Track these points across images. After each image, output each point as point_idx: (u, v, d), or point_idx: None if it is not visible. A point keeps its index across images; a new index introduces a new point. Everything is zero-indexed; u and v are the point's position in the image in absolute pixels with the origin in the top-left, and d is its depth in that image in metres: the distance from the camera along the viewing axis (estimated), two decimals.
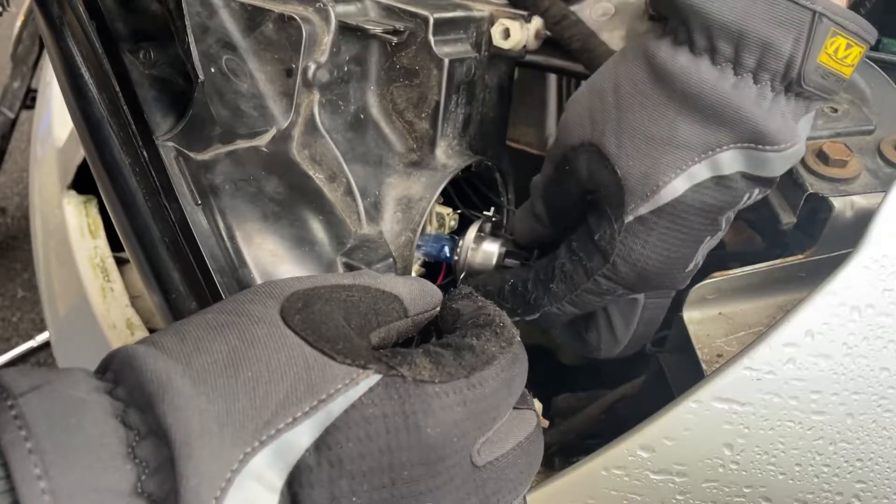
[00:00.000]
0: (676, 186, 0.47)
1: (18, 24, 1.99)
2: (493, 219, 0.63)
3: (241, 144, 0.53)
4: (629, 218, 0.49)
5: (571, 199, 0.54)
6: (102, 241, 1.02)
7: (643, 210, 0.48)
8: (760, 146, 0.45)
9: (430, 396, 0.33)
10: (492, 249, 0.60)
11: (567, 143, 0.52)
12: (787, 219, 0.58)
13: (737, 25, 0.43)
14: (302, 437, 0.31)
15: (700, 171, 0.47)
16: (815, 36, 0.43)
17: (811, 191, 0.56)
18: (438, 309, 0.43)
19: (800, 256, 0.56)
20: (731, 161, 0.46)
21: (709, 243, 0.50)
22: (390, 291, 0.40)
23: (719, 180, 0.47)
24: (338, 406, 0.32)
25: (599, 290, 0.52)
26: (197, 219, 0.51)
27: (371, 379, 0.33)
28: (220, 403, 0.30)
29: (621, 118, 0.48)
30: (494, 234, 0.62)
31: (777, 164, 0.47)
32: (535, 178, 0.57)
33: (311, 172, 0.54)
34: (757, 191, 0.48)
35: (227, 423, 0.30)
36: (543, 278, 0.54)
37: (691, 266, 0.51)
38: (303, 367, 0.32)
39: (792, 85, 0.44)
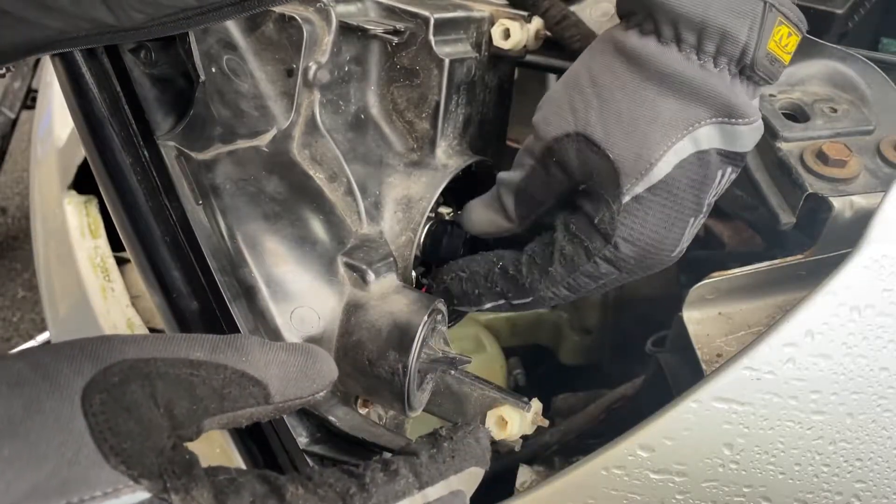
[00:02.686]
0: (667, 163, 0.50)
1: None
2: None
3: (242, 144, 0.53)
4: (626, 198, 0.50)
5: (553, 192, 0.55)
6: (103, 241, 1.02)
7: (639, 189, 0.50)
8: (732, 120, 0.49)
9: None
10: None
11: (549, 136, 0.53)
12: (787, 219, 0.58)
13: (699, 17, 0.47)
14: None
15: (684, 147, 0.49)
16: (765, 24, 0.47)
17: (811, 191, 0.56)
18: (323, 393, 0.40)
19: (799, 256, 0.56)
20: (708, 136, 0.49)
21: (693, 226, 0.53)
22: (252, 374, 0.36)
23: (700, 156, 0.50)
24: None
25: (598, 273, 0.52)
26: (198, 218, 0.51)
27: (136, 496, 0.29)
28: None
29: (603, 106, 0.51)
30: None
31: (746, 138, 0.50)
32: (504, 174, 0.58)
33: (311, 172, 0.54)
34: (729, 169, 0.52)
35: None
36: (540, 262, 0.54)
37: (677, 250, 0.53)
38: (68, 459, 0.29)
39: (745, 69, 0.49)
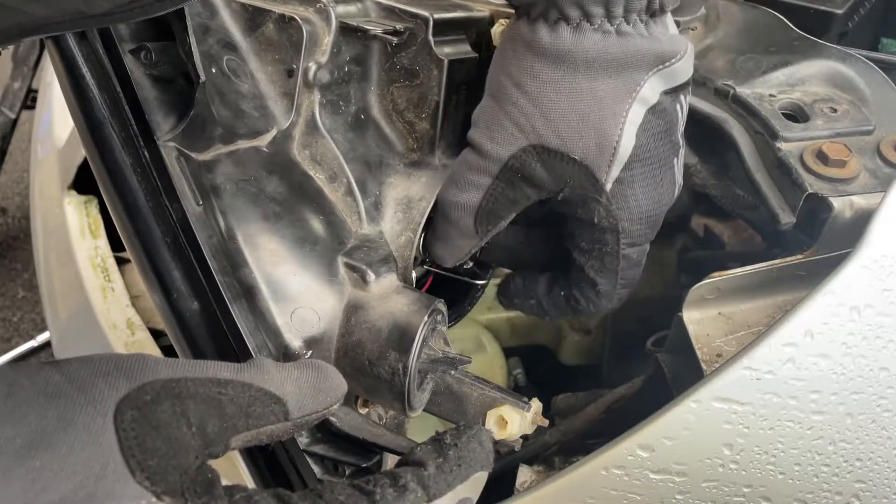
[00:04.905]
0: (629, 135, 0.51)
1: None
2: None
3: (242, 145, 0.53)
4: (609, 186, 0.52)
5: (519, 206, 0.55)
6: (103, 241, 1.02)
7: (615, 172, 0.51)
8: (666, 63, 0.50)
9: None
10: None
11: (501, 156, 0.53)
12: (787, 219, 0.58)
13: None
14: None
15: (637, 112, 0.51)
16: None
17: (810, 191, 0.56)
18: (336, 406, 0.41)
19: (799, 256, 0.56)
20: (652, 89, 0.50)
21: (679, 163, 0.55)
22: (273, 392, 0.37)
23: (654, 109, 0.51)
24: None
25: (634, 258, 0.55)
26: (198, 219, 0.51)
27: None
28: None
29: (545, 113, 0.51)
30: None
31: (684, 70, 0.52)
32: (455, 197, 0.56)
33: (311, 172, 0.54)
34: (682, 97, 0.53)
35: None
36: (586, 285, 0.57)
37: (677, 190, 0.55)
38: (96, 473, 0.30)
39: (656, 12, 0.50)
